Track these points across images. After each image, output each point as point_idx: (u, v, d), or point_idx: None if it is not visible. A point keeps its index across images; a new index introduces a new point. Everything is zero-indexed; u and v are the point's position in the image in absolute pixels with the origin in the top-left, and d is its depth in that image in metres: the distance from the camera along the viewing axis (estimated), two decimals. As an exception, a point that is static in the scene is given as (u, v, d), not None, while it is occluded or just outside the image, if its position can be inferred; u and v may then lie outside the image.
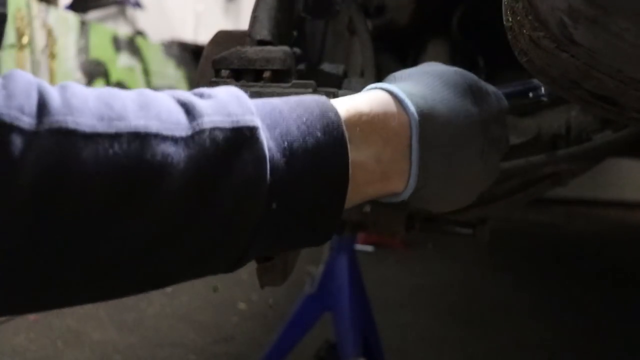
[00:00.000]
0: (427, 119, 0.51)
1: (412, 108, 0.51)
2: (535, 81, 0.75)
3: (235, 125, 0.42)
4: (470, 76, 0.58)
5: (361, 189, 0.49)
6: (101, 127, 0.38)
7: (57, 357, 1.82)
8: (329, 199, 0.46)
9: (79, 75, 3.29)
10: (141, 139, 0.39)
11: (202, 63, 0.76)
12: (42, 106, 0.37)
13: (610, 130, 0.92)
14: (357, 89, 0.58)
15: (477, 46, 1.15)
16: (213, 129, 0.41)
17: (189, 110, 0.42)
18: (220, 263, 0.45)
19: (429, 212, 0.93)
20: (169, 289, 2.34)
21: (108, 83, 3.59)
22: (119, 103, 0.40)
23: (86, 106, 0.38)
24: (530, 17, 0.51)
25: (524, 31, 0.53)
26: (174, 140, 0.40)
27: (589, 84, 0.53)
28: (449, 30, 1.14)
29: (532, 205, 3.58)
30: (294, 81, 0.62)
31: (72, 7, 3.74)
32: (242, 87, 0.62)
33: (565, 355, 1.97)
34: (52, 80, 2.95)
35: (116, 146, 0.38)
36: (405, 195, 0.53)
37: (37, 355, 1.82)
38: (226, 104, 0.44)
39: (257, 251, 0.46)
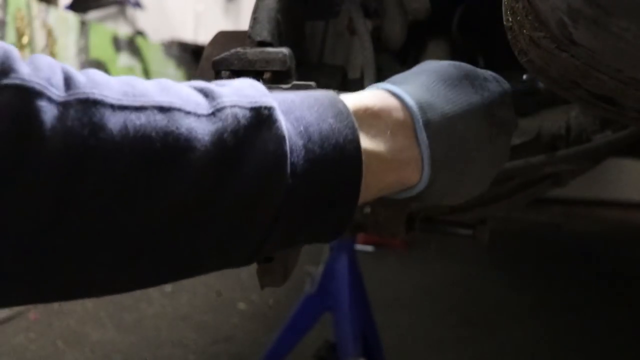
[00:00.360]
0: (427, 110, 0.53)
1: (411, 101, 0.53)
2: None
3: (253, 105, 0.43)
4: (466, 66, 0.59)
5: (377, 177, 0.50)
6: (126, 101, 0.39)
7: (57, 357, 1.82)
8: (346, 183, 0.47)
9: (79, 75, 3.29)
10: (166, 112, 0.40)
11: (202, 64, 0.76)
12: (68, 80, 0.38)
13: (610, 131, 0.92)
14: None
15: (477, 46, 1.15)
16: (233, 107, 0.42)
17: (207, 94, 0.43)
18: (243, 246, 0.45)
19: (430, 211, 0.93)
20: (168, 289, 2.34)
21: (108, 83, 3.59)
22: (140, 85, 0.41)
23: (110, 83, 0.39)
24: (530, 17, 0.51)
25: (524, 31, 0.53)
26: (197, 116, 0.41)
27: (589, 84, 0.53)
28: (449, 30, 1.15)
29: (532, 205, 3.57)
30: (294, 82, 0.62)
31: (72, 7, 3.73)
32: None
33: (566, 356, 1.97)
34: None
35: (142, 117, 0.38)
36: (422, 186, 0.54)
37: (37, 355, 1.82)
38: (242, 88, 0.45)
39: (278, 239, 0.46)
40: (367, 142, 0.49)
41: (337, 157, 0.46)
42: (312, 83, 0.62)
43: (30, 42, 2.82)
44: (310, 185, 0.44)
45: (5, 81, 0.35)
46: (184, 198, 0.40)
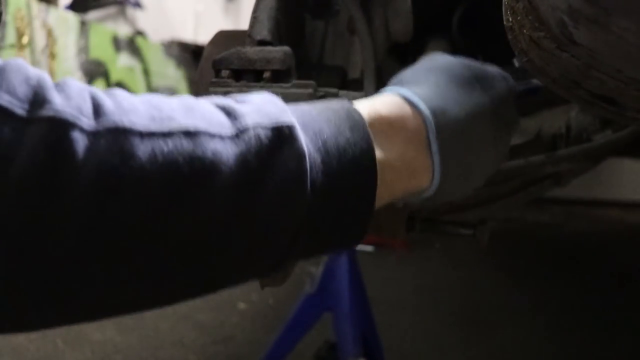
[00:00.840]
0: (440, 117, 0.54)
1: (424, 108, 0.53)
2: (535, 81, 0.75)
3: (275, 124, 0.44)
4: (474, 65, 0.60)
5: (390, 186, 0.51)
6: (154, 127, 0.39)
7: (57, 357, 1.82)
8: (362, 195, 0.48)
9: (79, 75, 3.29)
10: (192, 136, 0.40)
11: (202, 63, 0.76)
12: (97, 107, 0.39)
13: (610, 130, 0.92)
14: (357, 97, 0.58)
15: (477, 46, 1.15)
16: (256, 127, 0.43)
17: (229, 113, 0.44)
18: (267, 261, 0.46)
19: (430, 211, 0.93)
20: (169, 289, 2.34)
21: (108, 83, 3.59)
22: (166, 106, 0.42)
23: (137, 108, 0.40)
24: (530, 17, 0.51)
25: (524, 31, 0.53)
26: (221, 138, 0.42)
27: (589, 84, 0.53)
28: (449, 30, 1.15)
29: (532, 205, 3.58)
30: (294, 81, 0.62)
31: (72, 7, 3.73)
32: (242, 87, 0.62)
33: (566, 356, 1.97)
34: (52, 80, 2.94)
35: (170, 144, 0.39)
36: (432, 190, 0.55)
37: (37, 355, 1.82)
38: (263, 106, 0.46)
39: (300, 251, 0.47)
40: (381, 153, 0.50)
41: (353, 170, 0.47)
42: (312, 82, 0.62)
43: (30, 42, 2.82)
44: (328, 199, 0.46)
45: (41, 113, 0.36)
46: (210, 220, 0.41)
